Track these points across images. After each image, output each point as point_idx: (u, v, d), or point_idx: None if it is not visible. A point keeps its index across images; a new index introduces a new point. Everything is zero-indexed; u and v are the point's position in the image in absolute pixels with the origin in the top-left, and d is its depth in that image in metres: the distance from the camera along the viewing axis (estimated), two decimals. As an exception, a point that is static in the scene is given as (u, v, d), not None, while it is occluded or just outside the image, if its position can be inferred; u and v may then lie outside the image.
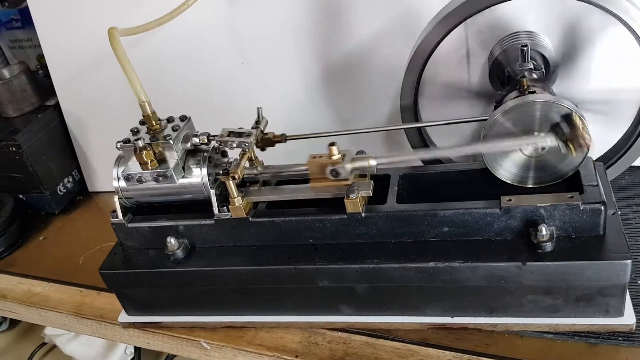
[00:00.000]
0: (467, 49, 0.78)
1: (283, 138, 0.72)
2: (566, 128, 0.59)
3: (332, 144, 0.63)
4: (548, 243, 0.59)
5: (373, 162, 0.63)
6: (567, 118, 0.59)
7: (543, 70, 0.70)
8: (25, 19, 1.19)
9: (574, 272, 0.59)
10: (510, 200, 0.61)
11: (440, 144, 0.79)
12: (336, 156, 0.63)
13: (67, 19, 0.96)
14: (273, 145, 0.72)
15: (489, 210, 0.61)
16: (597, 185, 0.61)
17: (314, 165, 0.64)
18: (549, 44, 0.73)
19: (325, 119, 0.91)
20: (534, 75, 0.68)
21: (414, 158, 0.68)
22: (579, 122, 0.58)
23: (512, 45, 0.72)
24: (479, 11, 0.66)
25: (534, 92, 0.63)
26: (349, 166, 0.63)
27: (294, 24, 0.86)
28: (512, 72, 0.71)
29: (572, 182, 0.62)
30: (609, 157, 0.75)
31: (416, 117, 0.75)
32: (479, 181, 0.66)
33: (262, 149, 0.72)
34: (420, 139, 0.77)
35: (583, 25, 0.74)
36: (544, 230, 0.59)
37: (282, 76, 0.90)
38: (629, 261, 0.57)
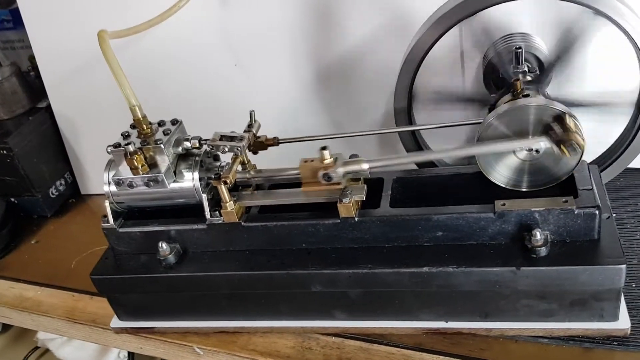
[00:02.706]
0: (461, 51, 0.78)
1: (276, 141, 0.71)
2: (559, 130, 0.58)
3: (323, 148, 0.63)
4: (542, 248, 0.59)
5: (365, 166, 0.63)
6: (560, 120, 0.58)
7: (537, 72, 0.70)
8: (17, 20, 1.17)
9: (568, 276, 0.58)
10: (504, 204, 0.60)
11: (435, 147, 0.78)
12: (328, 160, 0.63)
13: (58, 20, 0.95)
14: (265, 149, 0.71)
15: (483, 215, 0.61)
16: (592, 189, 0.60)
17: (306, 169, 0.65)
18: (543, 46, 0.73)
19: (319, 121, 0.91)
20: (528, 78, 0.68)
21: (407, 161, 0.67)
22: (571, 124, 0.58)
23: (506, 48, 0.72)
24: (473, 13, 0.66)
25: (527, 95, 0.63)
26: (341, 170, 0.63)
27: (288, 25, 0.85)
28: (506, 75, 0.70)
29: (567, 186, 0.62)
30: (604, 160, 0.74)
31: (410, 120, 0.75)
32: (473, 185, 0.66)
33: (255, 152, 0.71)
34: (415, 142, 0.76)
35: (577, 26, 0.73)
36: (538, 234, 0.59)
37: (275, 78, 0.90)
38: (624, 266, 0.57)
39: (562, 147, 0.57)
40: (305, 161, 0.65)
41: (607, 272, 0.57)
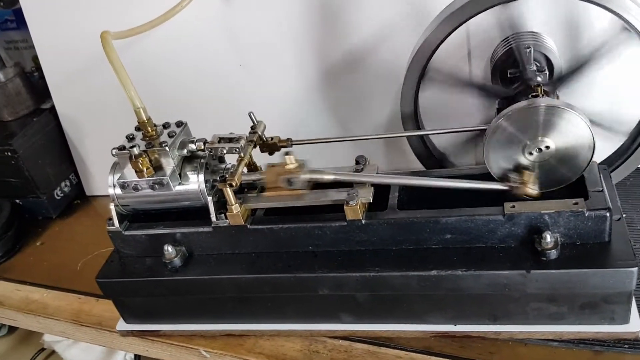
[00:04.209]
0: (468, 50, 0.77)
1: (289, 143, 0.71)
2: (516, 178, 0.61)
3: (287, 154, 0.64)
4: (552, 250, 0.58)
5: (329, 177, 0.64)
6: (519, 168, 0.61)
7: (547, 72, 0.69)
8: (20, 20, 1.17)
9: (578, 280, 0.57)
10: (513, 206, 0.60)
11: (442, 146, 0.77)
12: (291, 165, 0.64)
13: (61, 20, 0.94)
14: (279, 150, 0.71)
15: (492, 217, 0.60)
16: (602, 190, 0.59)
17: (270, 174, 0.65)
18: (553, 45, 0.72)
19: (325, 122, 0.90)
20: (538, 78, 0.67)
21: (372, 180, 0.66)
22: (528, 178, 0.60)
23: (515, 47, 0.71)
24: (481, 12, 0.65)
25: (537, 95, 0.62)
26: (303, 177, 0.63)
27: (293, 24, 0.84)
28: (515, 74, 0.69)
29: (577, 188, 0.61)
30: (615, 160, 0.73)
31: (417, 120, 0.74)
32: (482, 186, 0.65)
33: (271, 154, 0.71)
34: (422, 143, 0.75)
35: (587, 25, 0.72)
36: (548, 237, 0.58)
37: (281, 77, 0.89)
38: (635, 269, 0.56)
39: (514, 192, 0.61)
40: (271, 166, 0.66)
41: (618, 275, 0.56)
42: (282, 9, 0.84)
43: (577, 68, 0.67)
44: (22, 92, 1.03)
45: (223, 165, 0.72)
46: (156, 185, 0.66)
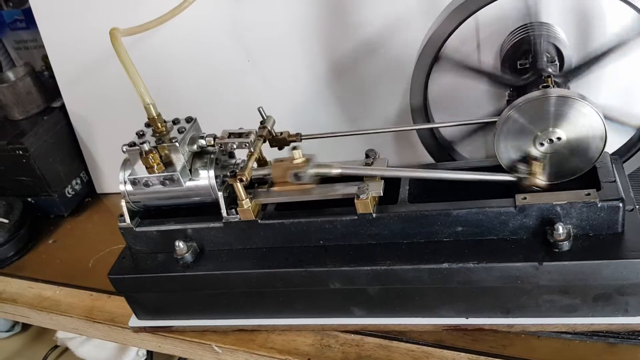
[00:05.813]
0: (477, 42, 0.76)
1: (298, 138, 0.71)
2: (525, 169, 0.61)
3: (294, 148, 0.65)
4: (565, 242, 0.58)
5: (336, 171, 0.64)
6: (526, 160, 0.61)
7: (557, 62, 0.68)
8: (30, 20, 1.18)
9: (591, 271, 0.57)
10: (525, 198, 0.59)
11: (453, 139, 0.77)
12: (299, 160, 0.64)
13: (70, 19, 0.95)
14: (288, 145, 0.71)
15: (504, 209, 0.60)
16: (615, 181, 0.59)
17: (277, 169, 0.65)
18: (563, 35, 0.71)
19: (333, 117, 0.90)
20: (550, 70, 0.66)
21: (380, 174, 0.66)
22: (537, 169, 0.60)
23: (531, 37, 0.70)
24: (489, 3, 0.64)
25: (547, 86, 0.61)
26: (310, 171, 0.64)
27: (301, 20, 0.84)
28: (525, 65, 0.69)
29: (589, 179, 0.61)
30: (627, 151, 0.73)
31: (427, 114, 0.74)
32: (493, 179, 0.65)
33: (280, 149, 0.71)
34: (432, 137, 0.75)
35: (595, 13, 0.72)
36: (560, 228, 0.58)
37: (290, 73, 0.89)
38: (649, 260, 0.55)
39: (523, 183, 0.61)
40: (278, 161, 0.66)
41: (632, 266, 0.56)
42: (290, 4, 0.84)
43: (590, 60, 0.66)
44: (33, 91, 1.03)
45: (233, 161, 0.72)
46: (167, 181, 0.66)
